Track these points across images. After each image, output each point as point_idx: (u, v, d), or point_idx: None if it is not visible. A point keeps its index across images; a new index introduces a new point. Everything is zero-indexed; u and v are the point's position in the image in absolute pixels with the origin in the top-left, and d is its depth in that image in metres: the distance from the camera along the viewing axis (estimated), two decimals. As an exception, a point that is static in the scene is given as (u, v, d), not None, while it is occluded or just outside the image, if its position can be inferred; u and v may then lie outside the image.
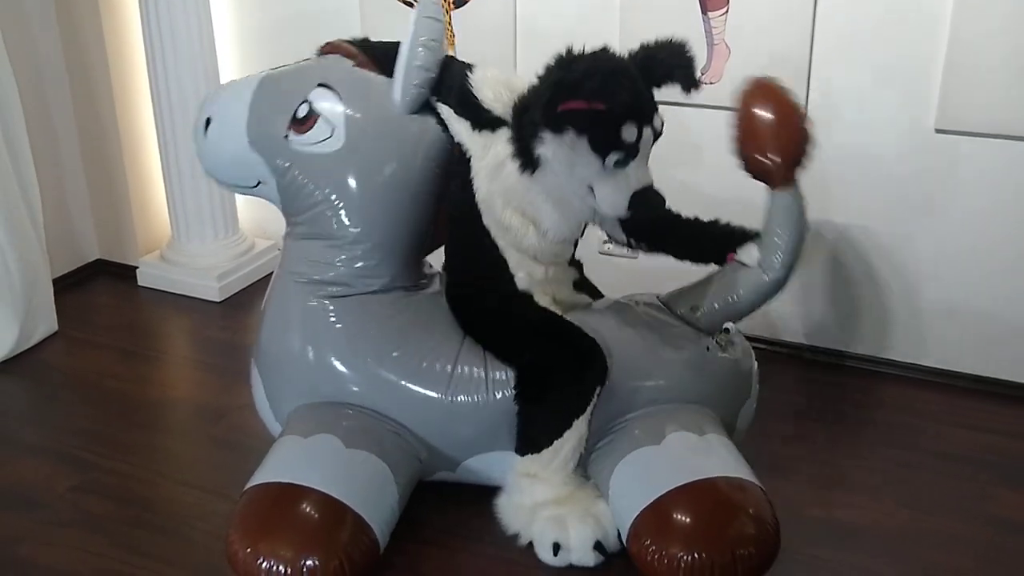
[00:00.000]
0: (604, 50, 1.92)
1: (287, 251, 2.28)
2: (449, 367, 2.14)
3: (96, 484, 2.44)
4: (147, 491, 2.42)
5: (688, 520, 1.89)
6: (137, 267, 3.58)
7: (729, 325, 2.25)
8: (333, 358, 2.17)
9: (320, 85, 2.13)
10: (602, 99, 1.83)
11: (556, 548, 2.04)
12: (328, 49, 2.26)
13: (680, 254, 2.22)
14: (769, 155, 2.01)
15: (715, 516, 1.90)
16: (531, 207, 2.05)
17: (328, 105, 2.11)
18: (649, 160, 1.97)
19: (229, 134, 2.16)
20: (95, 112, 3.45)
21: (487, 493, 2.20)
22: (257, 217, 3.73)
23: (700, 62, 2.75)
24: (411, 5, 3.11)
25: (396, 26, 3.13)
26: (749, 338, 3.02)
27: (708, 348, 2.20)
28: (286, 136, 2.12)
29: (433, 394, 2.12)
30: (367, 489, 2.00)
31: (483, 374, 2.12)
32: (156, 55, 3.21)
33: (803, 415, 2.73)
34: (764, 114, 2.01)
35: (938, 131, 2.63)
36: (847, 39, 2.65)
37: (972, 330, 2.80)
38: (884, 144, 2.71)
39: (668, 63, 1.94)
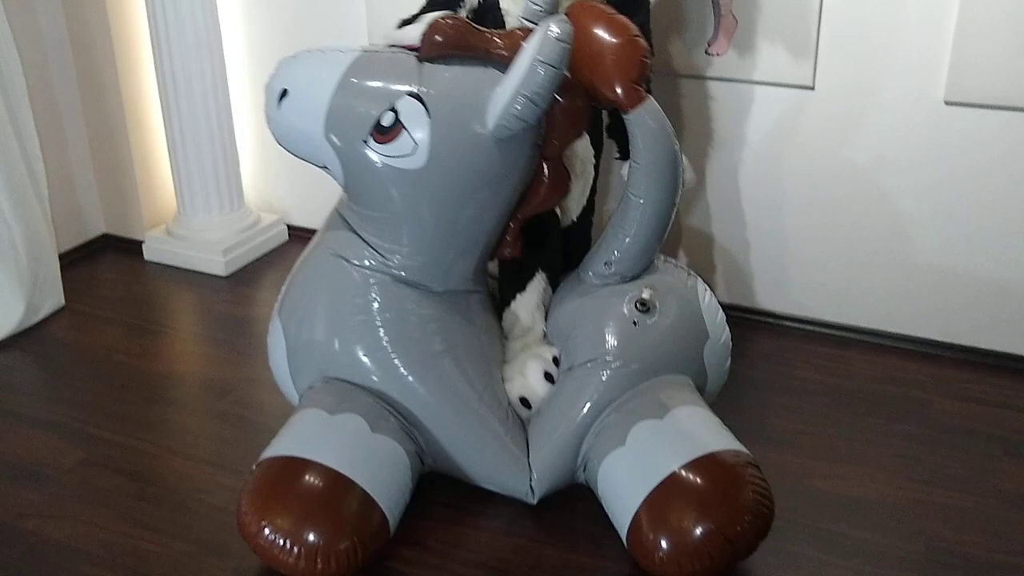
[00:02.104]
0: None
1: (336, 227, 2.22)
2: (480, 383, 2.15)
3: (103, 458, 2.45)
4: (154, 465, 2.43)
5: (683, 512, 1.89)
6: (143, 242, 3.58)
7: (645, 291, 2.21)
8: (362, 347, 2.14)
9: (410, 95, 1.98)
10: None
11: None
12: (434, 32, 2.04)
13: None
14: (617, 81, 1.98)
15: (696, 507, 1.89)
16: None
17: (415, 120, 1.97)
18: None
19: (305, 115, 2.04)
20: (99, 87, 3.44)
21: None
22: (263, 191, 3.72)
23: (707, 34, 2.75)
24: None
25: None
26: (749, 311, 3.04)
27: (635, 323, 2.19)
28: (365, 140, 2.01)
29: (462, 410, 2.13)
30: (389, 478, 1.99)
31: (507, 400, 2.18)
32: (160, 28, 3.19)
33: (806, 388, 2.73)
34: (603, 36, 1.98)
35: (947, 103, 2.61)
36: (856, 11, 2.62)
37: (979, 302, 2.78)
38: (893, 116, 2.69)
39: None
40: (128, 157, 3.51)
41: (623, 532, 1.98)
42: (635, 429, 2.04)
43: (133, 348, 3.00)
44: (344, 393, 2.12)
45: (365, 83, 2.01)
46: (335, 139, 2.03)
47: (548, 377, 2.24)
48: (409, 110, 1.96)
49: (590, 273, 2.28)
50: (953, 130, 2.63)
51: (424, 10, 2.26)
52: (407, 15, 2.26)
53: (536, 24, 2.06)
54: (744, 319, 3.01)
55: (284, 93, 2.06)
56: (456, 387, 2.14)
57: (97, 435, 2.55)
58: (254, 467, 2.01)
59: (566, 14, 2.04)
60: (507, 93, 1.91)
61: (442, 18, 2.02)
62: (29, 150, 3.10)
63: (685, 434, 2.02)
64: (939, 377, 2.77)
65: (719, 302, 2.35)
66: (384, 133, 1.97)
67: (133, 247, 3.61)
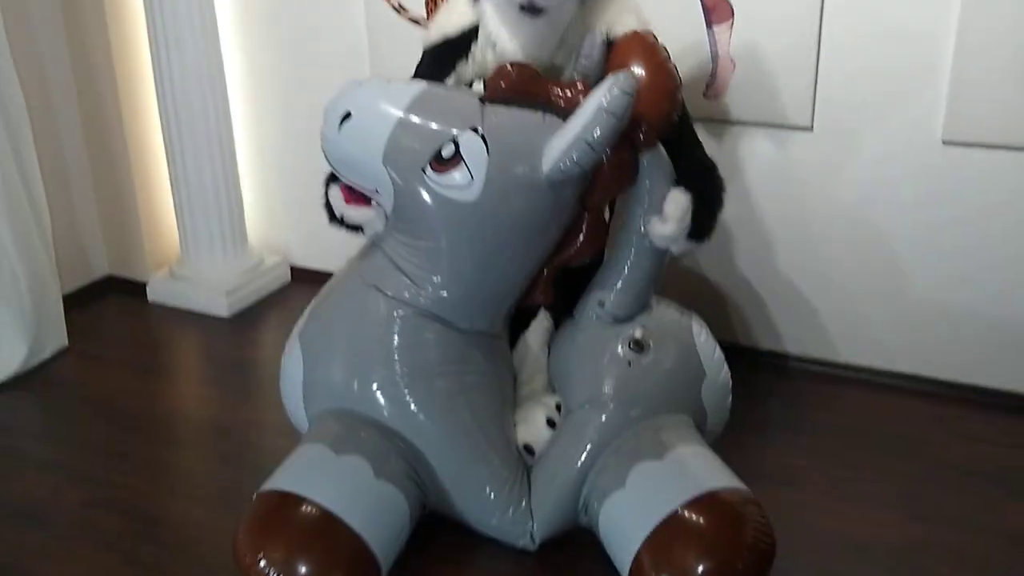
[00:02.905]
0: None
1: (370, 255, 2.24)
2: (492, 427, 2.16)
3: (105, 499, 2.45)
4: (155, 507, 2.43)
5: (684, 551, 1.88)
6: (146, 283, 3.60)
7: (637, 330, 2.22)
8: (377, 380, 2.14)
9: (473, 129, 2.01)
10: None
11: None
12: (500, 76, 2.09)
13: None
14: (642, 121, 2.02)
15: (698, 544, 1.88)
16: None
17: (474, 154, 1.99)
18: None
19: (365, 141, 2.05)
20: (103, 128, 3.48)
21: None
22: (266, 232, 3.74)
23: (705, 75, 2.78)
24: (416, 23, 3.13)
25: (404, 47, 3.16)
26: (751, 350, 3.04)
27: (630, 363, 2.19)
28: (423, 168, 2.02)
29: (469, 454, 2.12)
30: (386, 524, 1.99)
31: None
32: (164, 71, 3.24)
33: (808, 427, 2.72)
34: (639, 73, 2.01)
35: (945, 143, 2.63)
36: (853, 52, 2.65)
37: (980, 341, 2.78)
38: (891, 156, 2.71)
39: None
40: (132, 199, 3.54)
41: (624, 573, 1.97)
42: (635, 470, 2.04)
43: (135, 389, 3.00)
44: (353, 429, 2.11)
45: (429, 114, 2.03)
46: (393, 166, 2.04)
47: (551, 423, 2.25)
48: (470, 144, 1.99)
49: (585, 313, 2.29)
50: (951, 170, 2.65)
51: (419, 73, 2.28)
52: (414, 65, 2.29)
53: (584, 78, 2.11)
54: (746, 358, 3.00)
55: (347, 116, 2.06)
56: (466, 430, 2.13)
57: (99, 476, 2.54)
58: (253, 498, 2.00)
59: (623, 42, 2.08)
60: (568, 138, 1.95)
61: (509, 64, 2.07)
62: (34, 192, 3.13)
63: (685, 473, 2.01)
64: (942, 416, 2.76)
65: (718, 340, 2.35)
66: (442, 163, 1.99)
67: (137, 288, 3.62)
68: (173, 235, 3.64)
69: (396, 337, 2.14)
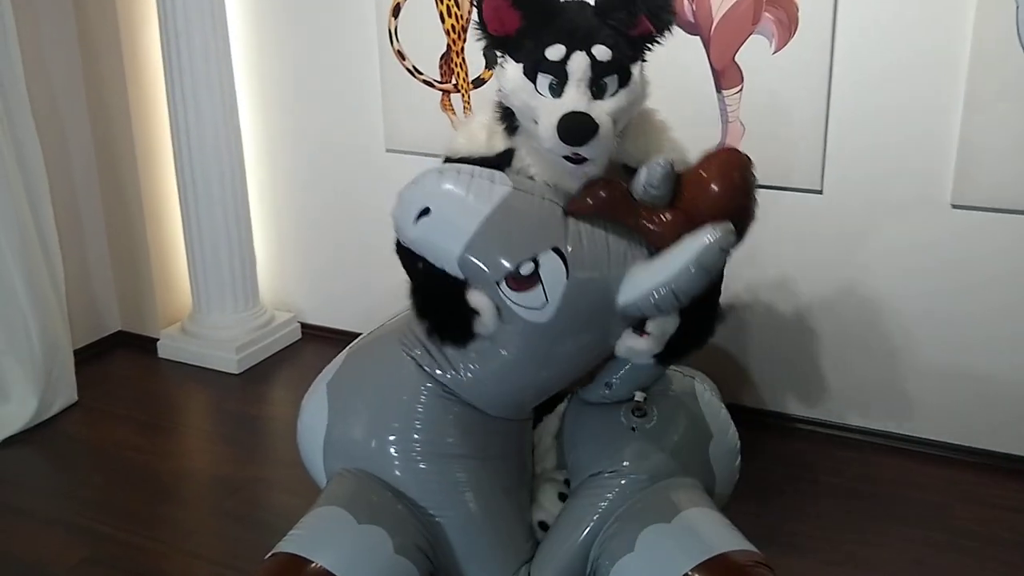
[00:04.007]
0: None
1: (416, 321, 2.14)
2: (507, 510, 2.12)
3: (107, 556, 2.42)
4: (159, 563, 2.40)
5: None
6: (158, 339, 3.61)
7: (638, 395, 2.19)
8: (396, 448, 2.09)
9: (555, 251, 1.90)
10: (519, 8, 1.83)
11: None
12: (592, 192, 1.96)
13: None
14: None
15: None
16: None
17: (554, 277, 1.89)
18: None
19: (441, 240, 1.93)
20: (119, 185, 3.53)
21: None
22: (277, 289, 3.76)
23: (715, 139, 2.81)
24: (430, 85, 3.17)
25: (419, 111, 3.21)
26: (764, 413, 3.02)
27: (634, 429, 2.17)
28: (498, 282, 1.91)
29: (478, 540, 2.08)
30: None
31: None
32: (181, 129, 3.29)
33: (822, 491, 2.69)
34: (713, 190, 1.91)
35: (954, 206, 2.64)
36: (862, 116, 2.68)
37: (995, 406, 2.76)
38: (900, 219, 2.72)
39: None
40: (145, 255, 3.57)
41: None
42: (644, 534, 2.01)
43: (144, 445, 2.99)
44: (374, 495, 2.04)
45: (512, 226, 1.92)
46: (467, 268, 1.94)
47: (562, 498, 2.23)
48: (550, 266, 1.90)
49: (592, 395, 2.28)
50: (961, 233, 2.66)
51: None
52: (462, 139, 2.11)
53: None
54: (758, 421, 2.98)
55: (425, 211, 1.92)
56: (482, 511, 2.07)
57: (103, 532, 2.52)
58: (267, 557, 1.96)
59: (715, 156, 1.99)
60: (653, 280, 1.88)
61: (600, 181, 1.94)
62: (49, 247, 3.16)
63: (694, 536, 1.98)
64: (957, 481, 2.73)
65: (726, 402, 2.34)
66: (519, 281, 1.90)
67: (148, 344, 3.64)
68: (185, 292, 3.66)
69: (420, 409, 2.09)
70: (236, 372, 3.45)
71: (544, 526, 2.19)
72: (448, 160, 2.04)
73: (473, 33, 1.93)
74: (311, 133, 3.50)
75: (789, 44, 2.67)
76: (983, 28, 2.46)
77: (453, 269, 1.93)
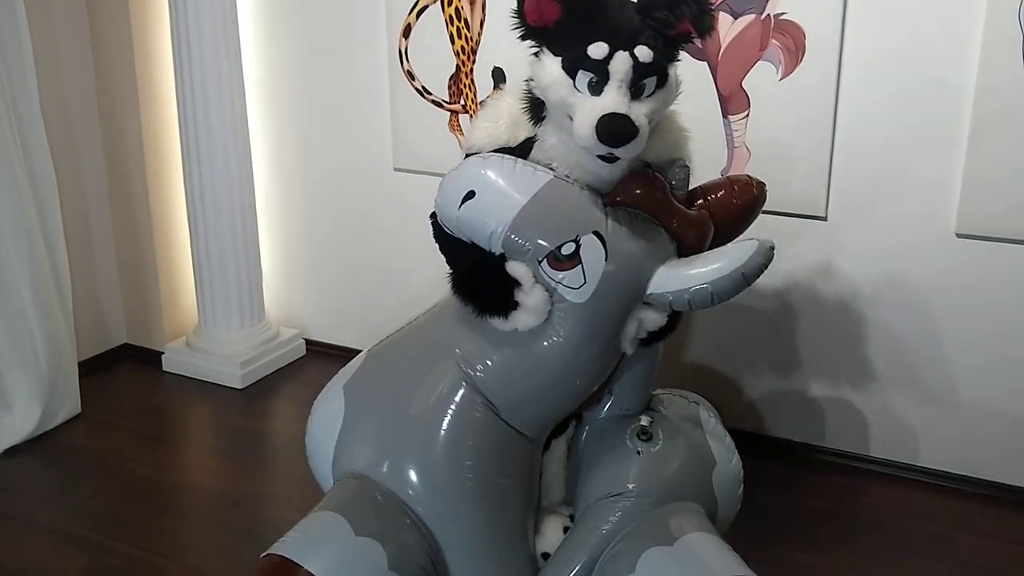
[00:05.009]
0: None
1: (443, 322, 2.16)
2: (512, 535, 2.11)
3: (107, 568, 2.42)
4: (157, 576, 2.41)
5: None
6: (163, 352, 3.63)
7: (644, 418, 2.22)
8: (413, 463, 2.06)
9: (595, 233, 1.96)
10: (560, 2, 1.81)
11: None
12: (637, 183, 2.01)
13: None
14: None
15: None
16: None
17: (594, 260, 1.95)
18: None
19: (485, 223, 1.97)
20: (129, 199, 3.55)
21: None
22: (283, 304, 3.78)
23: (721, 164, 2.82)
24: (439, 106, 3.20)
25: (428, 132, 3.23)
26: (765, 439, 3.01)
27: (639, 452, 2.18)
28: (539, 261, 1.96)
29: (483, 559, 2.07)
30: None
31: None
32: (191, 145, 3.31)
33: (824, 519, 2.68)
34: (735, 204, 2.14)
35: (959, 236, 2.64)
36: (868, 145, 2.69)
37: (994, 435, 2.75)
38: (905, 248, 2.72)
39: None
40: (153, 269, 3.59)
41: None
42: (645, 556, 2.01)
43: (145, 457, 3.00)
44: (377, 507, 2.02)
45: (555, 208, 1.97)
46: (510, 248, 1.98)
47: (566, 531, 2.22)
48: (591, 247, 1.96)
49: (597, 412, 2.29)
50: (965, 262, 2.66)
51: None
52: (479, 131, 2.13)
53: None
54: (762, 448, 2.97)
55: (470, 195, 1.97)
56: (489, 532, 2.06)
57: (103, 543, 2.53)
58: (260, 557, 1.95)
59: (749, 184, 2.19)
60: (692, 280, 1.96)
61: (641, 175, 2.00)
62: (57, 258, 3.18)
63: (696, 560, 1.98)
64: (960, 511, 2.72)
65: (731, 428, 2.34)
66: (560, 261, 1.95)
67: (153, 357, 3.65)
68: (191, 306, 3.68)
69: (444, 422, 2.06)
70: (240, 387, 3.45)
71: (547, 557, 2.19)
72: (469, 155, 2.05)
73: (509, 22, 1.90)
74: (320, 150, 3.52)
75: (796, 71, 2.69)
76: (989, 57, 2.47)
77: (496, 248, 1.97)
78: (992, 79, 2.48)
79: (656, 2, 1.85)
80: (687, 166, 2.07)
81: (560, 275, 1.95)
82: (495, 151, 2.01)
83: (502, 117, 2.04)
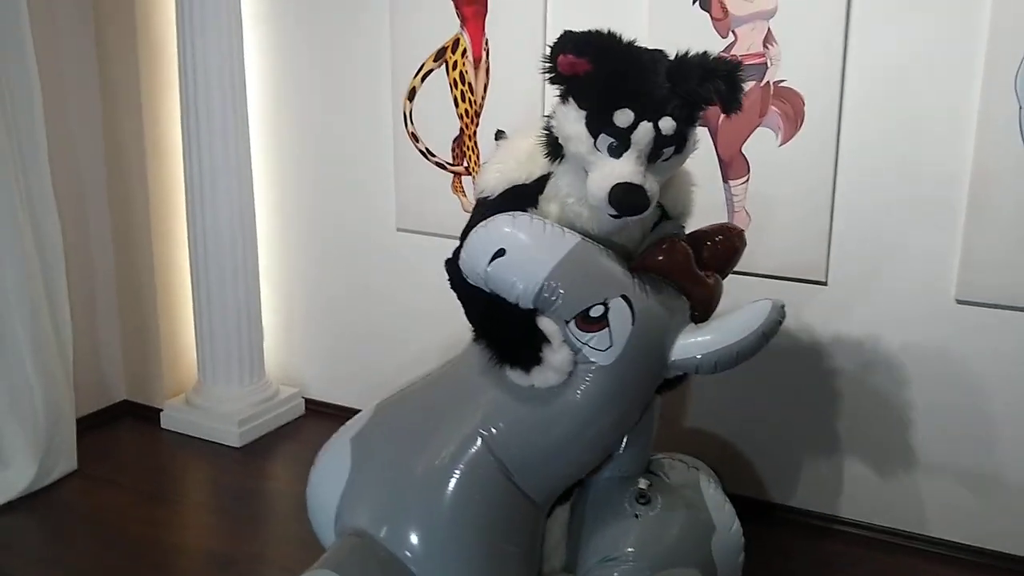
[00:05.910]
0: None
1: (490, 380, 2.12)
2: None
3: (97, 629, 2.39)
4: (148, 638, 2.37)
5: None
6: (162, 410, 3.61)
7: (642, 481, 2.21)
8: (416, 527, 2.04)
9: (623, 297, 2.00)
10: (592, 59, 1.83)
11: None
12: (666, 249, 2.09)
13: None
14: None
15: None
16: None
17: (621, 322, 1.98)
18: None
19: (514, 282, 1.97)
20: (133, 257, 3.58)
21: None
22: (283, 363, 3.77)
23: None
24: (442, 167, 3.23)
25: (431, 193, 3.26)
26: (767, 505, 2.98)
27: (637, 516, 2.17)
28: (568, 321, 1.98)
29: None
30: None
31: None
32: (196, 205, 3.35)
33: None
34: (737, 252, 2.24)
35: (959, 302, 2.65)
36: (867, 210, 2.71)
37: (998, 506, 2.72)
38: (905, 314, 2.72)
39: (704, 67, 1.86)
40: (155, 327, 3.60)
41: None
42: None
43: (141, 515, 2.97)
44: (377, 569, 1.99)
45: (584, 270, 2.00)
46: (540, 306, 2.00)
47: None
48: (619, 310, 1.98)
49: (600, 472, 2.27)
50: (966, 328, 2.66)
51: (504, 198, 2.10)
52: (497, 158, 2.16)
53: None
54: (763, 514, 2.94)
55: (500, 253, 1.97)
56: None
57: (94, 604, 2.50)
58: None
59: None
60: (716, 344, 2.02)
61: (668, 242, 2.08)
62: (59, 315, 3.19)
63: None
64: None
65: (732, 494, 2.32)
66: (588, 322, 1.98)
67: (151, 414, 3.63)
68: (192, 364, 3.67)
69: (451, 483, 2.04)
70: (238, 445, 3.44)
71: None
72: (480, 200, 2.08)
73: (540, 66, 1.93)
74: (323, 210, 3.55)
75: (795, 137, 2.72)
76: (986, 128, 2.50)
77: (525, 306, 1.98)
78: (990, 148, 2.50)
79: (689, 72, 1.87)
80: (683, 227, 2.19)
81: (587, 336, 1.98)
82: (509, 189, 2.05)
83: (513, 157, 2.08)
